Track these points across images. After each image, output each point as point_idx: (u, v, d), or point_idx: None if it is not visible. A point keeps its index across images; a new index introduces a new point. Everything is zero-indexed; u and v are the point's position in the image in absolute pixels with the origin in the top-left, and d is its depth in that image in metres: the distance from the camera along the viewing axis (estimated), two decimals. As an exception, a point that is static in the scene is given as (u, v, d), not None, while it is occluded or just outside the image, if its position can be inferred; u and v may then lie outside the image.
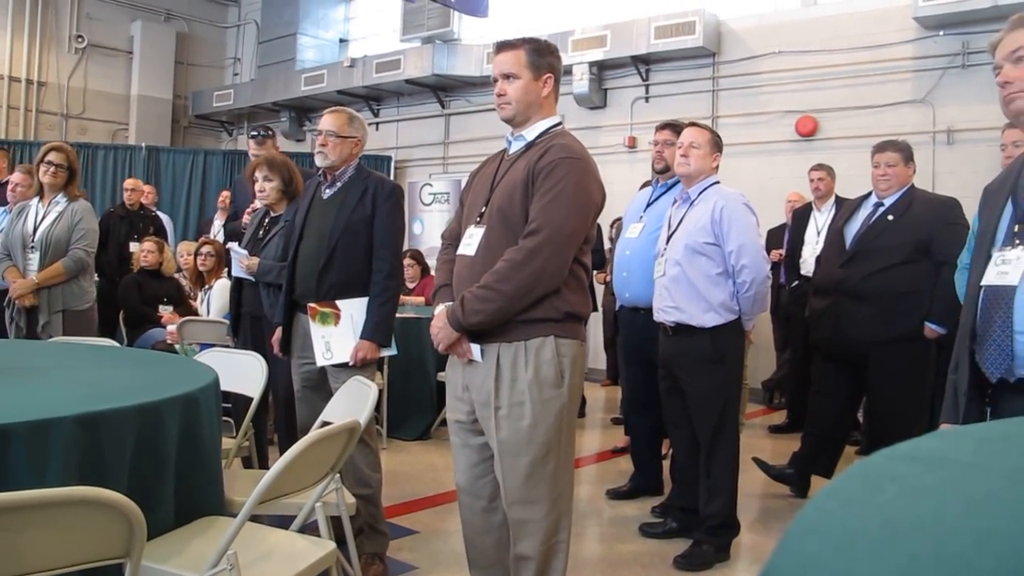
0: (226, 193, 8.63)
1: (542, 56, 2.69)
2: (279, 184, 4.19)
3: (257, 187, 4.25)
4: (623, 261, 4.43)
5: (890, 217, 4.25)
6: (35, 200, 4.67)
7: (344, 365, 3.41)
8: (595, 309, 6.79)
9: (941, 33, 7.42)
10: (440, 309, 2.66)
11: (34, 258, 4.50)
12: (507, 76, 2.68)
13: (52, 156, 4.57)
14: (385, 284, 3.47)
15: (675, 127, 4.36)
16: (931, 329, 4.17)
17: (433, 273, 5.56)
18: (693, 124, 4.00)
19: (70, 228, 4.51)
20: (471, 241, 2.67)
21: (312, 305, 3.49)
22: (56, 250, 4.49)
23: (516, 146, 2.74)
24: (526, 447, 2.55)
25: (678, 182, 4.10)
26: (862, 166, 4.92)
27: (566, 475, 2.65)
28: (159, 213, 8.50)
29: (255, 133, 5.02)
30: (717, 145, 3.87)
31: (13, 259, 4.57)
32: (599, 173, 2.71)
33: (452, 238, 2.85)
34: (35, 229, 4.54)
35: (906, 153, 4.34)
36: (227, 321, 4.52)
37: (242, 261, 4.14)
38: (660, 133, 4.48)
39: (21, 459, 1.85)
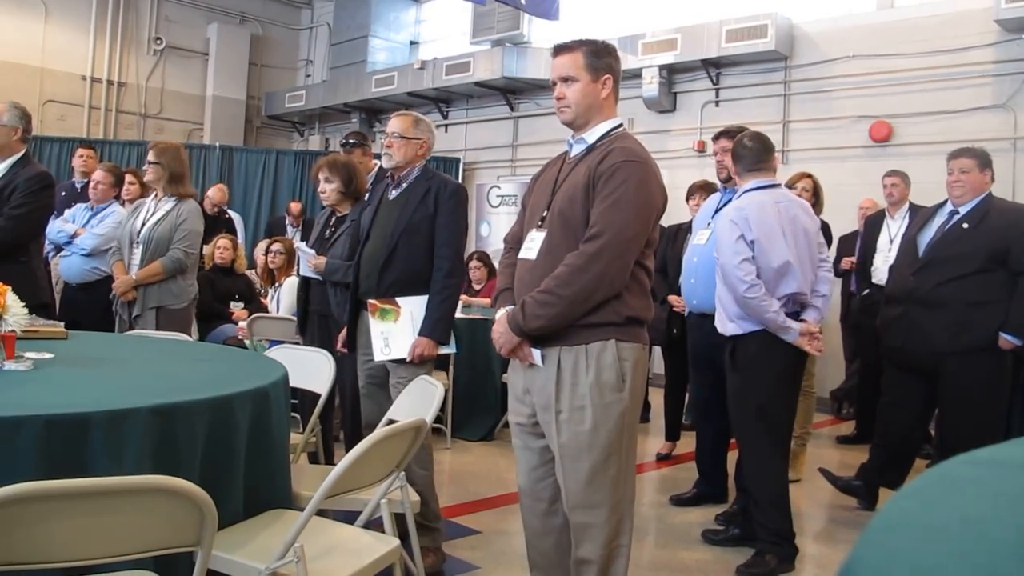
0: (297, 205, 8.85)
1: (600, 57, 2.65)
2: (339, 185, 4.27)
3: (319, 188, 4.35)
4: (690, 268, 4.40)
5: (965, 225, 4.14)
6: (150, 198, 4.84)
7: (403, 361, 3.45)
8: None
9: (1024, 37, 7.21)
10: (501, 313, 2.66)
11: (137, 253, 4.65)
12: (565, 79, 2.65)
13: (149, 154, 4.72)
14: (445, 282, 3.50)
15: (730, 134, 4.31)
16: (1006, 340, 4.03)
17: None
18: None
19: (173, 228, 4.63)
20: (532, 245, 2.67)
21: (372, 301, 3.54)
22: (158, 248, 4.61)
23: (577, 149, 2.71)
24: (587, 451, 2.54)
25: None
26: (938, 173, 4.80)
27: (628, 479, 2.63)
28: (230, 212, 8.68)
29: (344, 142, 5.09)
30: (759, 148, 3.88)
31: (121, 254, 4.74)
32: (661, 176, 2.67)
33: (514, 242, 2.85)
34: (142, 226, 4.69)
35: (982, 160, 4.21)
36: (295, 319, 4.59)
37: (310, 260, 4.22)
38: (717, 143, 4.46)
39: (99, 447, 1.91)
